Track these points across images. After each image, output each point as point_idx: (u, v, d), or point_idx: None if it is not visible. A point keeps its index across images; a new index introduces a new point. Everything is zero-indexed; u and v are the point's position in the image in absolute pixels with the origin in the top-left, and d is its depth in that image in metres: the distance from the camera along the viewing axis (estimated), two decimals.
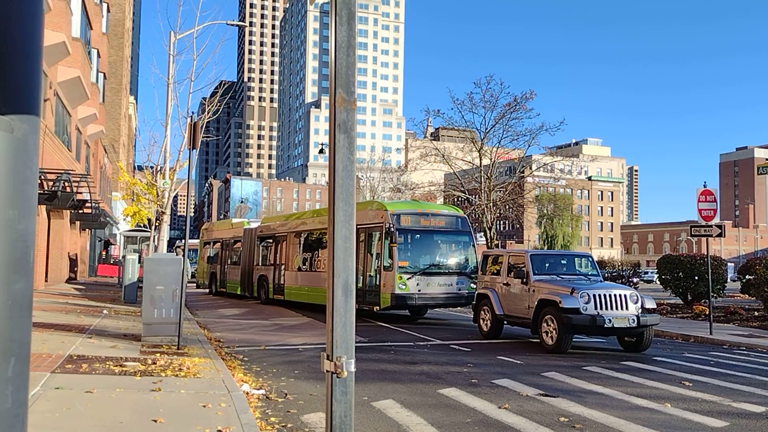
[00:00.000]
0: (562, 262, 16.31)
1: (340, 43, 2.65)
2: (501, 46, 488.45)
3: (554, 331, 13.48)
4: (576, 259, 16.69)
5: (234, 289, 29.16)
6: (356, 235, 18.15)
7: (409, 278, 18.58)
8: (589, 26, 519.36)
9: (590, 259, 16.66)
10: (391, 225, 18.72)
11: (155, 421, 6.50)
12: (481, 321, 16.22)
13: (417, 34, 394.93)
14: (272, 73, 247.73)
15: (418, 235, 19.91)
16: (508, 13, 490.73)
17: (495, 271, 16.26)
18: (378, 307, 18.96)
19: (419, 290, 18.71)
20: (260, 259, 27.27)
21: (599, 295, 13.48)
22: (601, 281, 15.29)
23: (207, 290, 32.85)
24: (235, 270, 29.40)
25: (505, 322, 15.72)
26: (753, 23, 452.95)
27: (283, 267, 24.71)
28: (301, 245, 24.11)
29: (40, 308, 16.84)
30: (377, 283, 19.13)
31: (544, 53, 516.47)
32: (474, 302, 16.84)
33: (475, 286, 19.64)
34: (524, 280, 14.73)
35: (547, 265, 15.44)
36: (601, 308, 13.33)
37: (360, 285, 19.49)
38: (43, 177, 21.85)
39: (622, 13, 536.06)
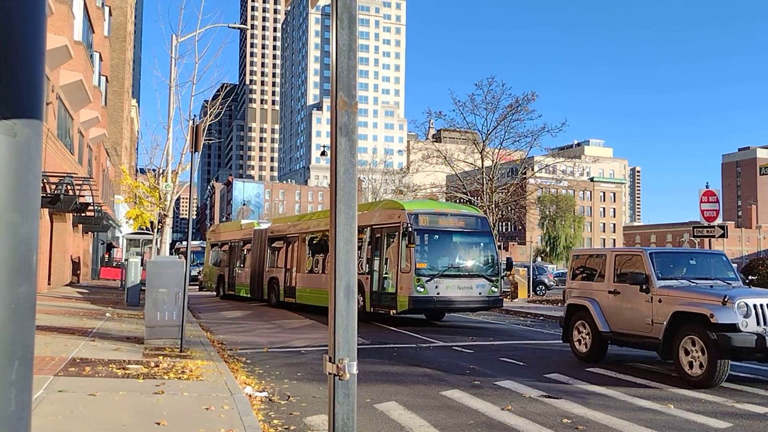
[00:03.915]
0: (691, 262, 12.64)
1: (341, 47, 2.66)
2: (502, 47, 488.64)
3: (701, 356, 10.03)
4: (708, 258, 13.11)
5: (243, 292, 28.48)
6: (371, 236, 17.72)
7: (428, 281, 17.73)
8: (590, 27, 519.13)
9: (724, 258, 12.94)
10: (409, 225, 17.85)
11: (158, 423, 6.51)
12: (576, 340, 12.88)
13: (418, 35, 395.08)
14: (274, 75, 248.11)
15: (437, 236, 19.11)
16: (509, 15, 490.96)
17: (591, 276, 13.01)
18: (395, 311, 18.18)
19: (438, 293, 17.87)
20: (271, 261, 26.47)
21: (762, 306, 10.03)
22: (744, 286, 12.38)
23: (214, 293, 32.14)
24: (244, 272, 28.69)
25: (610, 341, 12.43)
26: (755, 23, 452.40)
27: (294, 269, 23.96)
28: (314, 246, 23.36)
29: (43, 311, 16.86)
30: (394, 285, 18.32)
31: (545, 54, 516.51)
32: (564, 316, 13.41)
33: (497, 290, 19.00)
34: (644, 286, 11.33)
35: (671, 266, 12.11)
36: (765, 323, 9.96)
37: (375, 288, 19.03)
38: (45, 180, 21.87)
39: (623, 14, 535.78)
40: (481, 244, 19.72)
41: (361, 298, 19.27)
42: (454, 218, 19.46)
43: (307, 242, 23.78)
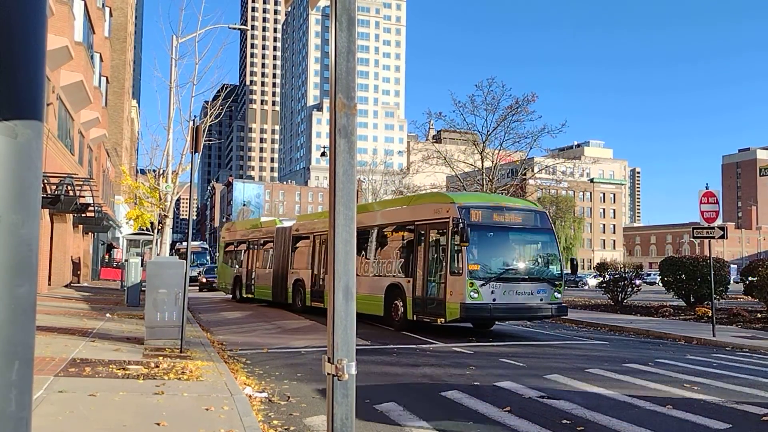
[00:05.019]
0: None
1: (340, 49, 2.67)
2: (502, 48, 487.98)
3: None
4: None
5: (264, 295, 26.24)
6: (413, 233, 16.20)
7: (482, 285, 15.49)
8: (590, 29, 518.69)
9: None
10: (460, 220, 15.42)
11: (158, 424, 6.52)
12: None
13: (418, 36, 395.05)
14: (274, 76, 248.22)
15: (491, 233, 16.70)
16: (509, 16, 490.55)
17: None
18: (443, 319, 15.88)
19: (494, 300, 15.58)
20: (296, 261, 24.10)
21: None
22: None
23: (229, 296, 30.23)
24: (265, 274, 26.38)
25: None
26: (752, 23, 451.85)
27: (323, 271, 21.37)
28: None
29: (43, 312, 16.87)
30: (441, 290, 16.04)
31: (545, 56, 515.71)
32: None
33: (560, 296, 17.00)
34: None
35: None
36: None
37: (419, 293, 16.82)
38: (46, 181, 21.89)
39: (622, 15, 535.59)
40: (541, 243, 17.52)
41: (401, 305, 17.42)
42: (511, 213, 17.12)
43: None
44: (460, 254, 15.62)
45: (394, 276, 18.07)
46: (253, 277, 27.73)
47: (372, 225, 19.70)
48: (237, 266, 29.74)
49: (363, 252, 19.79)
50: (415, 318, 16.94)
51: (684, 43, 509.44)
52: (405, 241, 18.10)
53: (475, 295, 15.40)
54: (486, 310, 15.65)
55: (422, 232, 17.11)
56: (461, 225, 15.26)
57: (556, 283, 16.88)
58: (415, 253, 17.23)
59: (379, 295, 18.22)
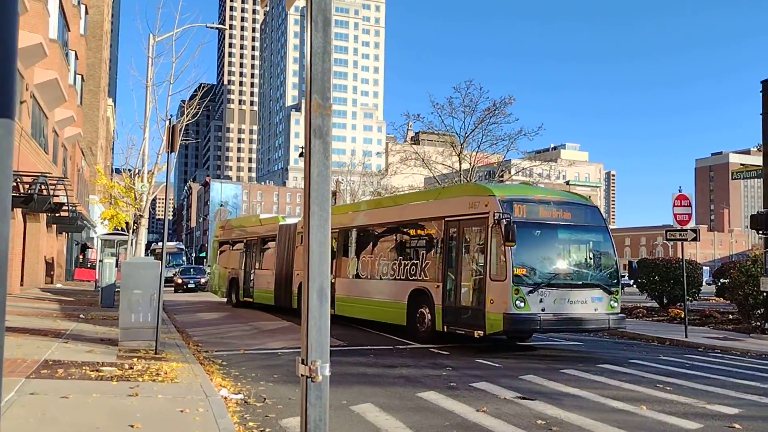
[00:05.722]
0: None
1: (315, 50, 2.67)
2: (482, 45, 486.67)
3: None
4: None
5: (264, 299, 24.11)
6: (445, 231, 14.43)
7: (529, 292, 13.21)
8: (566, 22, 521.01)
9: None
10: (502, 216, 13.20)
11: (132, 426, 6.46)
12: None
13: (397, 35, 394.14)
14: (252, 76, 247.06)
15: (538, 231, 14.26)
16: (494, 12, 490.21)
17: None
18: (481, 332, 13.59)
19: (543, 309, 13.28)
20: (301, 262, 21.52)
21: None
22: None
23: (225, 300, 27.89)
24: (265, 276, 24.31)
25: None
26: (745, 14, 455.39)
27: (334, 273, 18.82)
28: (363, 245, 19.00)
29: (15, 312, 16.64)
30: (479, 298, 13.88)
31: (523, 51, 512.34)
32: None
33: (617, 305, 14.41)
34: None
35: None
36: None
37: (451, 300, 14.65)
38: (19, 180, 21.60)
39: (616, 10, 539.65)
40: (594, 242, 15.01)
41: (429, 313, 15.25)
42: (558, 208, 14.75)
43: (352, 240, 19.22)
44: (502, 256, 13.40)
45: (419, 280, 15.95)
46: (251, 279, 25.62)
47: (393, 221, 17.90)
48: (233, 267, 27.66)
49: (383, 252, 18.01)
50: (445, 329, 14.77)
51: (650, 37, 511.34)
52: (433, 240, 15.89)
53: (521, 304, 13.16)
54: (534, 322, 13.31)
55: (455, 229, 14.90)
56: (504, 222, 13.04)
57: (613, 289, 14.48)
58: (446, 254, 15.12)
59: (401, 301, 16.26)
